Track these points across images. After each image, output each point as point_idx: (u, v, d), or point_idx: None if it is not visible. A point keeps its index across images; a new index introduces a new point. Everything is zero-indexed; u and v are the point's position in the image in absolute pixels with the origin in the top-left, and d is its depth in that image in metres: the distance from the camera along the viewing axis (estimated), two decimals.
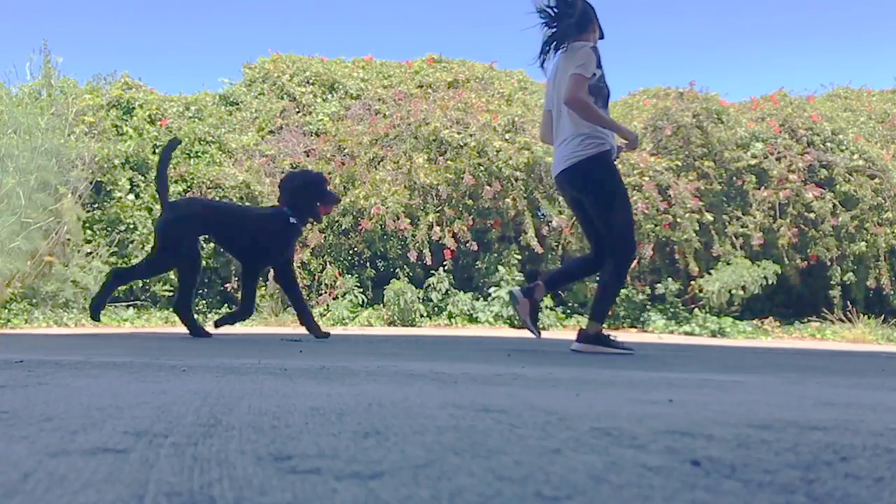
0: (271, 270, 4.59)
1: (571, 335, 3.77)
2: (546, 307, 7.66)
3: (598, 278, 3.70)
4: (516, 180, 8.15)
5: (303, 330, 4.23)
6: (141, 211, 8.20)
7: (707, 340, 6.92)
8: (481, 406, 1.24)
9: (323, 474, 0.70)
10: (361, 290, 7.99)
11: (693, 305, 8.21)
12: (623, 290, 7.78)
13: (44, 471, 0.69)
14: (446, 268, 8.07)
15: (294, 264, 4.44)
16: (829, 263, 8.46)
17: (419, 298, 7.79)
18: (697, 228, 8.15)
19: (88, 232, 7.80)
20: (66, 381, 1.51)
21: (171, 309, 6.93)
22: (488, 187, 8.07)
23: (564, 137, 3.45)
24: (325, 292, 7.95)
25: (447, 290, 7.99)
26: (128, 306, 7.38)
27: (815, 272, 8.69)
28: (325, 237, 8.18)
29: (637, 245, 3.64)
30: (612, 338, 3.48)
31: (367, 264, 8.32)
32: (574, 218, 8.06)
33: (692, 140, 8.61)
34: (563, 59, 3.43)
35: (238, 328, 6.62)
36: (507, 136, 8.48)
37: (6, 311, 6.36)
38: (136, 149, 8.35)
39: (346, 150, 8.85)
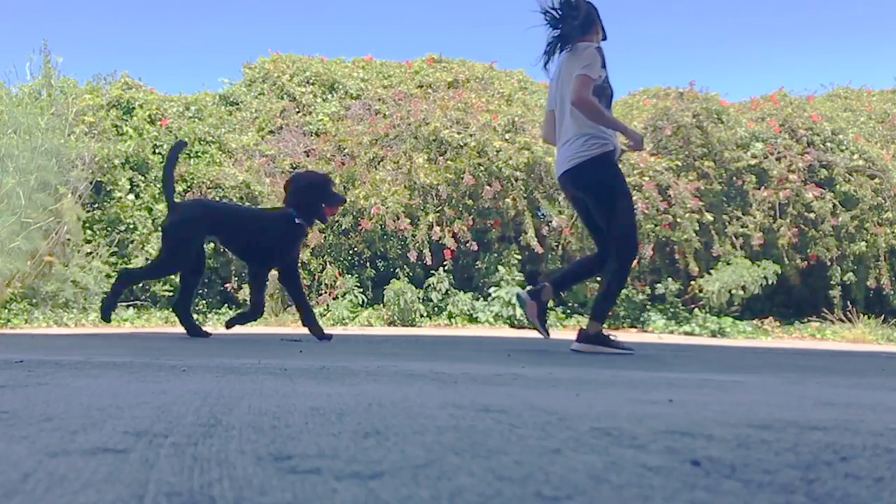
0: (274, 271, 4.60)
1: (571, 335, 3.77)
2: (520, 297, 7.66)
3: (598, 278, 3.71)
4: (516, 180, 8.15)
5: (303, 330, 4.23)
6: (141, 211, 8.20)
7: (707, 340, 6.92)
8: (481, 406, 1.24)
9: (323, 474, 0.70)
10: (361, 290, 7.99)
11: (693, 305, 8.21)
12: (623, 290, 7.78)
13: (44, 471, 0.69)
14: (446, 268, 8.07)
15: (299, 265, 4.44)
16: (829, 263, 8.46)
17: (419, 298, 7.79)
18: (697, 228, 8.15)
19: (88, 232, 7.80)
20: (66, 381, 1.51)
21: (170, 309, 6.93)
22: (488, 187, 8.07)
23: (568, 138, 3.45)
24: (325, 292, 7.95)
25: (447, 290, 7.99)
26: (128, 306, 7.38)
27: (815, 272, 8.69)
28: (325, 237, 8.18)
29: (639, 245, 3.64)
30: (612, 338, 3.48)
31: (367, 264, 8.32)
32: (574, 218, 8.11)
33: (692, 140, 8.61)
34: (567, 59, 3.42)
35: (238, 328, 6.62)
36: (507, 136, 8.48)
37: (6, 311, 6.36)
38: (136, 149, 8.35)
39: (346, 150, 8.85)
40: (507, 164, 8.09)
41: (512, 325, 7.67)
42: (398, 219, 7.93)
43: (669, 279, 8.25)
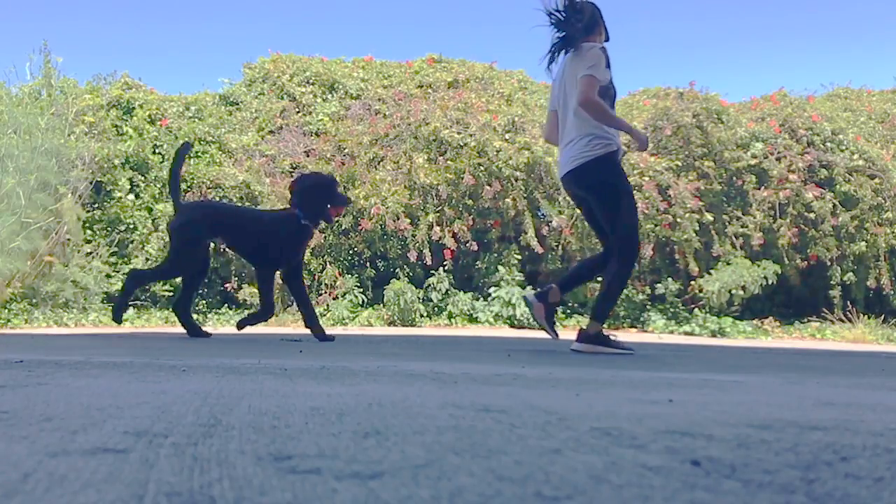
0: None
1: (572, 335, 3.77)
2: (527, 299, 7.66)
3: (599, 278, 3.71)
4: (516, 180, 8.15)
5: (303, 330, 4.23)
6: (141, 211, 8.20)
7: (707, 340, 6.92)
8: (481, 406, 1.24)
9: (323, 474, 0.70)
10: (361, 290, 7.99)
11: (693, 305, 8.21)
12: (623, 290, 7.78)
13: (44, 471, 0.69)
14: (446, 268, 8.07)
15: (303, 266, 4.45)
16: (829, 263, 8.46)
17: (419, 298, 7.79)
18: (697, 228, 8.15)
19: (88, 232, 7.80)
20: (66, 381, 1.51)
21: (170, 309, 6.93)
22: (488, 187, 8.07)
23: (571, 138, 3.45)
24: (325, 292, 7.95)
25: (447, 290, 7.99)
26: (128, 306, 7.38)
27: (815, 272, 8.69)
28: (325, 237, 8.18)
29: (640, 246, 3.64)
30: (612, 338, 3.48)
31: (367, 264, 8.32)
32: (574, 218, 8.11)
33: (692, 140, 8.61)
34: (571, 60, 3.42)
35: None
36: (507, 136, 8.48)
37: (6, 311, 6.36)
38: (136, 149, 8.35)
39: (346, 150, 8.85)
40: (507, 164, 8.09)
41: (512, 325, 7.67)
42: (398, 219, 7.93)
43: (669, 279, 8.25)
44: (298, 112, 9.76)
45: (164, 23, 26.92)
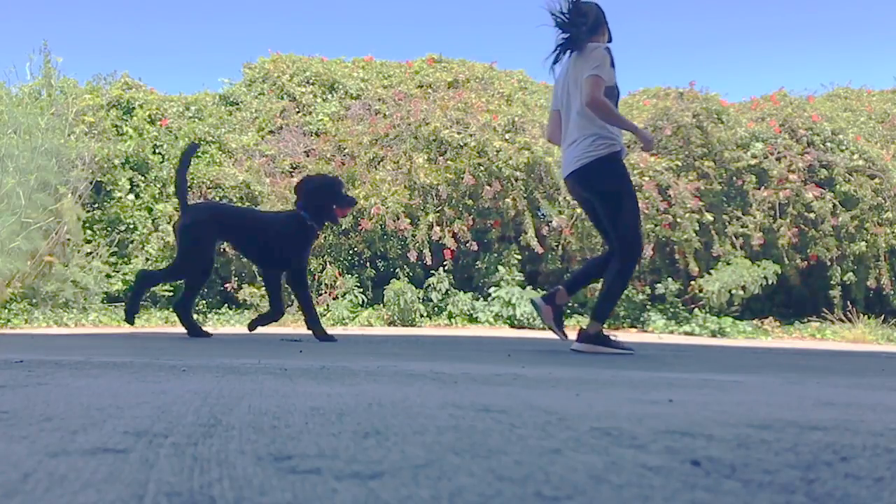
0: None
1: (572, 335, 3.77)
2: (534, 302, 7.67)
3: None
4: (516, 180, 8.15)
5: (303, 330, 4.24)
6: (141, 211, 8.20)
7: (707, 340, 6.92)
8: (481, 406, 1.24)
9: (323, 474, 0.70)
10: (361, 290, 7.99)
11: (693, 305, 8.21)
12: (624, 291, 7.78)
13: (44, 471, 0.69)
14: (446, 268, 8.06)
15: (307, 268, 4.47)
16: (829, 263, 8.46)
17: (419, 298, 7.79)
18: (697, 228, 8.15)
19: (88, 232, 7.80)
20: (66, 381, 1.51)
21: (171, 309, 6.93)
22: (488, 187, 8.07)
23: (574, 138, 3.45)
24: (325, 292, 7.95)
25: (447, 290, 7.99)
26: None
27: (815, 272, 8.68)
28: (325, 237, 8.18)
29: (643, 246, 3.65)
30: (612, 338, 3.48)
31: (367, 264, 8.32)
32: (574, 218, 8.11)
33: (692, 140, 8.61)
34: (575, 60, 3.43)
35: (238, 328, 6.62)
36: (507, 136, 8.48)
37: (6, 311, 6.36)
38: (136, 149, 8.35)
39: (346, 150, 8.85)
40: (507, 164, 8.09)
41: (512, 325, 7.67)
42: (398, 219, 7.93)
43: (669, 279, 8.25)
44: (298, 112, 9.76)
45: (164, 23, 26.93)
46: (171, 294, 7.42)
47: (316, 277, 8.08)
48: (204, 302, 7.84)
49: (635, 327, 8.14)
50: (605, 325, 3.50)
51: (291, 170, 8.73)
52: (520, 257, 8.24)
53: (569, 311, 8.23)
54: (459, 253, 8.18)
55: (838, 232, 8.50)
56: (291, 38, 31.27)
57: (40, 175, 6.94)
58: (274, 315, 4.14)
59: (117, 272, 7.72)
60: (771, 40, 30.35)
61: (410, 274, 8.12)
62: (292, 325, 6.89)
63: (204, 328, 4.31)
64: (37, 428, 0.92)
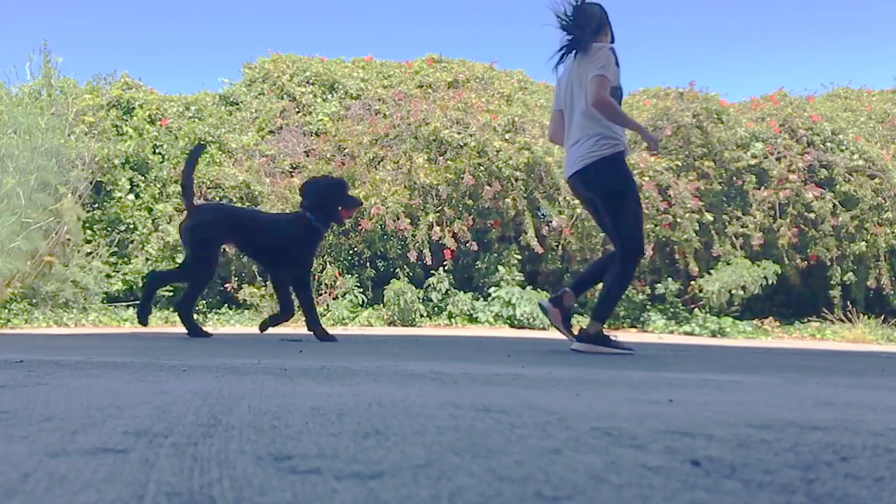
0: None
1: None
2: (542, 305, 7.66)
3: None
4: (516, 180, 8.15)
5: (303, 330, 4.24)
6: (141, 211, 8.20)
7: (707, 340, 6.92)
8: (481, 406, 1.24)
9: (323, 474, 0.70)
10: (361, 290, 7.99)
11: (693, 305, 8.21)
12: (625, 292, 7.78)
13: (44, 471, 0.69)
14: (446, 268, 8.06)
15: (311, 269, 4.48)
16: (829, 263, 8.46)
17: (419, 298, 7.79)
18: (697, 228, 8.15)
19: (88, 232, 7.81)
20: (66, 381, 1.51)
21: (171, 309, 6.94)
22: (488, 187, 8.07)
23: (578, 138, 3.44)
24: (325, 292, 7.95)
25: (447, 290, 7.99)
26: (128, 306, 7.38)
27: (815, 272, 8.68)
28: (326, 237, 8.17)
29: (645, 247, 3.65)
30: (612, 338, 3.48)
31: (367, 264, 8.32)
32: (574, 218, 8.11)
33: (692, 140, 8.61)
34: (580, 60, 3.43)
35: (238, 328, 6.62)
36: (507, 136, 8.48)
37: (6, 311, 6.36)
38: (136, 149, 8.35)
39: (346, 150, 8.85)
40: (507, 164, 8.09)
41: (512, 325, 7.67)
42: (398, 219, 7.93)
43: (669, 279, 8.25)
44: (298, 112, 9.76)
45: (164, 23, 26.93)
46: (172, 294, 7.41)
47: (316, 277, 8.08)
48: (204, 302, 7.84)
49: (635, 327, 8.14)
50: (605, 326, 3.50)
51: (291, 170, 8.72)
52: (520, 257, 8.24)
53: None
54: (459, 253, 8.18)
55: (838, 232, 8.49)
56: (291, 38, 31.28)
57: (40, 175, 6.95)
58: (284, 315, 4.16)
59: (117, 272, 7.72)
60: (771, 40, 30.37)
61: (410, 274, 8.12)
62: (292, 325, 6.89)
63: (204, 328, 4.31)
64: (37, 428, 0.92)
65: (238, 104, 9.95)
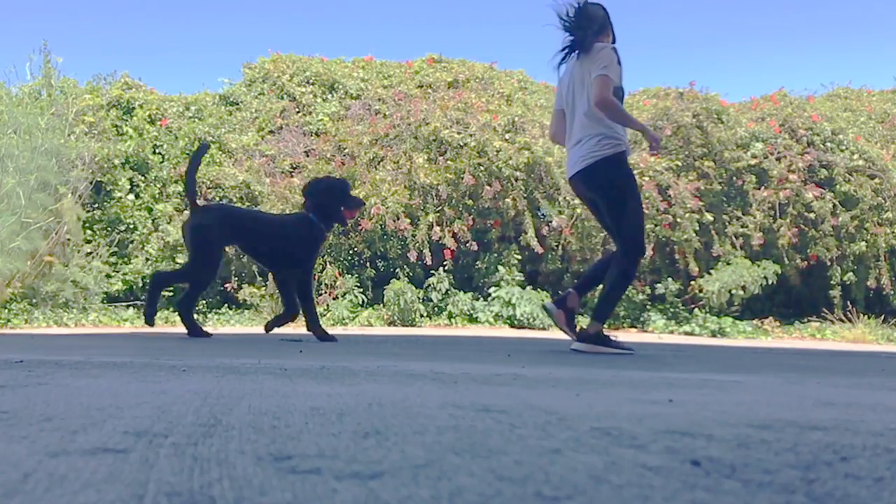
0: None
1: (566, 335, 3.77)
2: (546, 307, 7.66)
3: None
4: (516, 180, 8.15)
5: (303, 330, 4.24)
6: (141, 211, 8.20)
7: (707, 340, 6.92)
8: (481, 406, 1.24)
9: (323, 474, 0.70)
10: (361, 290, 7.99)
11: (693, 305, 8.21)
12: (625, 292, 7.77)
13: (44, 471, 0.69)
14: (446, 268, 8.06)
15: (313, 269, 4.48)
16: (829, 263, 8.46)
17: (419, 298, 7.79)
18: (697, 228, 8.15)
19: (88, 232, 7.81)
20: (66, 381, 1.51)
21: (171, 308, 6.93)
22: (488, 187, 8.07)
23: (580, 138, 3.44)
24: (325, 292, 7.95)
25: (447, 290, 7.99)
26: (128, 306, 7.38)
27: (815, 272, 8.68)
28: (326, 237, 8.18)
29: (646, 247, 3.65)
30: (612, 338, 3.48)
31: (367, 264, 8.32)
32: (574, 218, 8.11)
33: (692, 140, 8.61)
34: (582, 60, 3.43)
35: (238, 328, 6.62)
36: (507, 136, 8.48)
37: (6, 311, 6.36)
38: (136, 149, 8.35)
39: (346, 150, 8.85)
40: (507, 164, 8.09)
41: (512, 325, 7.67)
42: (398, 219, 7.93)
43: (669, 279, 8.25)
44: (298, 112, 9.76)
45: (164, 23, 26.93)
46: (172, 294, 7.42)
47: (316, 277, 8.08)
48: (204, 302, 7.84)
49: (635, 327, 8.14)
50: (605, 326, 3.50)
51: (291, 170, 8.72)
52: (520, 257, 8.24)
53: None
54: (459, 253, 8.18)
55: (838, 232, 8.49)
56: (291, 38, 31.28)
57: (40, 175, 6.95)
58: (288, 316, 4.18)
59: (117, 272, 7.72)
60: (771, 40, 30.37)
61: (410, 274, 8.12)
62: (292, 325, 6.89)
63: (204, 328, 4.32)
64: (37, 428, 0.92)
65: (238, 104, 9.95)
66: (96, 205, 8.08)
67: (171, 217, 8.10)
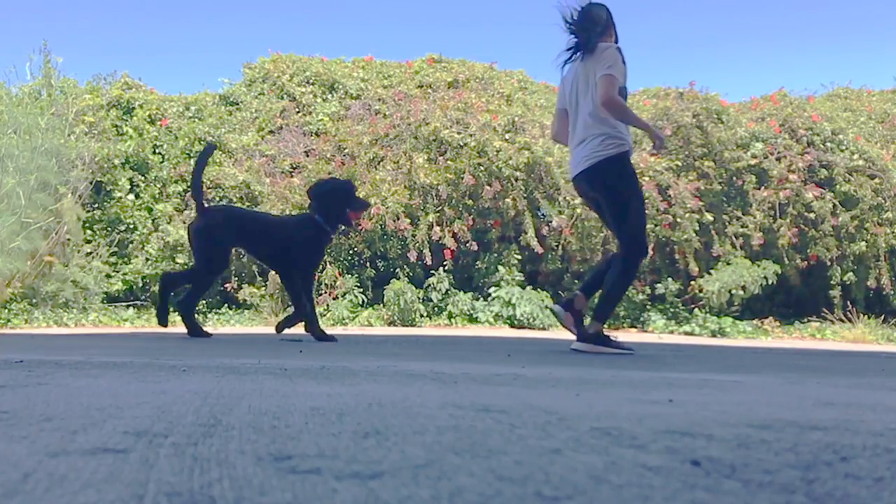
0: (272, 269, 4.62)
1: (571, 335, 3.77)
2: (546, 307, 7.67)
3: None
4: (516, 180, 8.15)
5: (303, 330, 4.25)
6: (141, 211, 8.20)
7: (707, 340, 6.92)
8: (481, 406, 1.24)
9: (323, 474, 0.70)
10: (361, 290, 7.99)
11: (693, 305, 8.21)
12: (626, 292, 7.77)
13: (44, 471, 0.69)
14: (446, 268, 8.06)
15: (316, 270, 4.49)
16: (829, 263, 8.46)
17: (419, 298, 7.79)
18: (697, 228, 8.15)
19: (88, 232, 7.81)
20: (66, 381, 1.51)
21: (172, 308, 6.93)
22: (488, 187, 8.07)
23: (583, 138, 3.44)
24: (325, 292, 7.95)
25: (447, 290, 7.99)
26: (128, 306, 7.38)
27: (815, 272, 8.68)
28: None
29: (648, 247, 3.65)
30: (612, 338, 3.48)
31: (367, 264, 8.32)
32: (574, 218, 8.11)
33: (692, 140, 8.61)
34: (586, 59, 3.43)
35: (238, 328, 6.62)
36: (507, 136, 8.48)
37: (6, 311, 6.36)
38: (136, 149, 8.35)
39: (346, 150, 8.85)
40: (507, 164, 8.09)
41: (512, 325, 7.67)
42: (398, 219, 7.93)
43: (669, 279, 8.25)
44: (298, 112, 9.76)
45: (164, 23, 26.93)
46: (172, 294, 7.41)
47: (316, 277, 8.08)
48: (204, 302, 7.84)
49: (635, 327, 8.14)
50: (605, 326, 3.50)
51: (291, 170, 8.72)
52: (520, 257, 8.24)
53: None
54: (459, 253, 8.19)
55: (838, 232, 8.49)
56: (291, 38, 31.28)
57: (40, 175, 6.95)
58: (298, 317, 4.18)
59: (117, 272, 7.72)
60: (771, 40, 30.38)
61: (410, 274, 8.12)
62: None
63: (204, 328, 4.32)
64: (37, 428, 0.92)
65: (238, 104, 9.94)
66: (96, 205, 8.08)
67: (171, 217, 8.10)
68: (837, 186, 8.58)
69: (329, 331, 4.42)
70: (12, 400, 1.20)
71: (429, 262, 7.92)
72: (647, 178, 8.15)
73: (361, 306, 7.91)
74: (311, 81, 10.30)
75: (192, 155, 8.76)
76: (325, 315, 7.60)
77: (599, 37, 3.40)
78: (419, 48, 28.28)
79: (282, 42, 39.12)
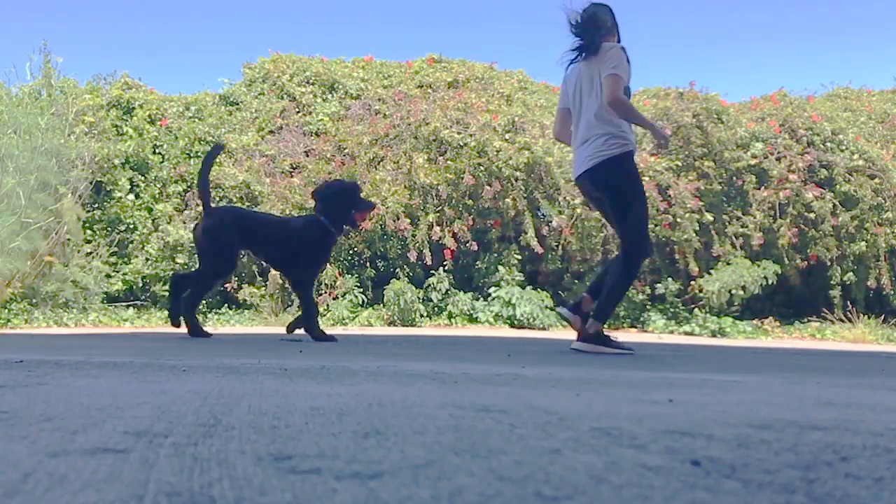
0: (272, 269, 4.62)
1: (572, 335, 3.77)
2: (546, 307, 7.67)
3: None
4: (516, 180, 8.15)
5: (303, 330, 4.25)
6: (141, 211, 8.20)
7: (707, 340, 6.92)
8: (481, 406, 1.24)
9: (323, 474, 0.70)
10: (361, 290, 7.99)
11: (693, 305, 8.21)
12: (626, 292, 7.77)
13: (44, 471, 0.69)
14: (446, 268, 8.06)
15: (320, 271, 4.50)
16: (829, 263, 8.46)
17: (419, 298, 7.79)
18: (697, 228, 8.15)
19: (88, 232, 7.81)
20: (66, 381, 1.51)
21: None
22: (488, 187, 8.07)
23: (587, 138, 3.44)
24: (325, 292, 7.95)
25: (447, 290, 7.99)
26: (128, 306, 7.38)
27: (815, 272, 8.68)
28: None
29: (651, 247, 3.65)
30: (612, 338, 3.48)
31: (367, 264, 8.32)
32: (574, 218, 8.11)
33: (692, 140, 8.61)
34: (591, 59, 3.43)
35: (238, 328, 6.62)
36: (507, 136, 8.48)
37: (6, 311, 6.36)
38: (136, 149, 8.35)
39: (346, 150, 8.85)
40: (507, 164, 8.09)
41: (512, 325, 7.67)
42: (398, 219, 7.93)
43: (669, 279, 8.25)
44: (298, 112, 9.76)
45: (164, 23, 26.93)
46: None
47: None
48: (204, 302, 7.84)
49: (635, 327, 8.14)
50: (605, 326, 3.50)
51: (291, 170, 8.72)
52: (520, 257, 8.24)
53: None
54: (459, 253, 8.18)
55: (838, 232, 8.49)
56: (291, 38, 31.28)
57: (40, 175, 6.95)
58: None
59: (117, 272, 7.73)
60: (771, 40, 30.38)
61: (410, 274, 8.12)
62: None
63: (204, 328, 4.32)
64: (37, 428, 0.92)
65: (238, 104, 9.94)
66: (96, 205, 8.08)
67: (170, 217, 8.10)
68: (837, 186, 8.58)
69: (329, 331, 4.41)
70: (12, 400, 1.20)
71: (429, 262, 7.92)
72: (647, 178, 8.14)
73: (361, 306, 7.91)
74: (311, 81, 10.30)
75: (192, 155, 8.76)
76: (325, 315, 7.59)
77: (603, 38, 3.41)
78: (419, 48, 28.29)
79: (282, 42, 39.12)
